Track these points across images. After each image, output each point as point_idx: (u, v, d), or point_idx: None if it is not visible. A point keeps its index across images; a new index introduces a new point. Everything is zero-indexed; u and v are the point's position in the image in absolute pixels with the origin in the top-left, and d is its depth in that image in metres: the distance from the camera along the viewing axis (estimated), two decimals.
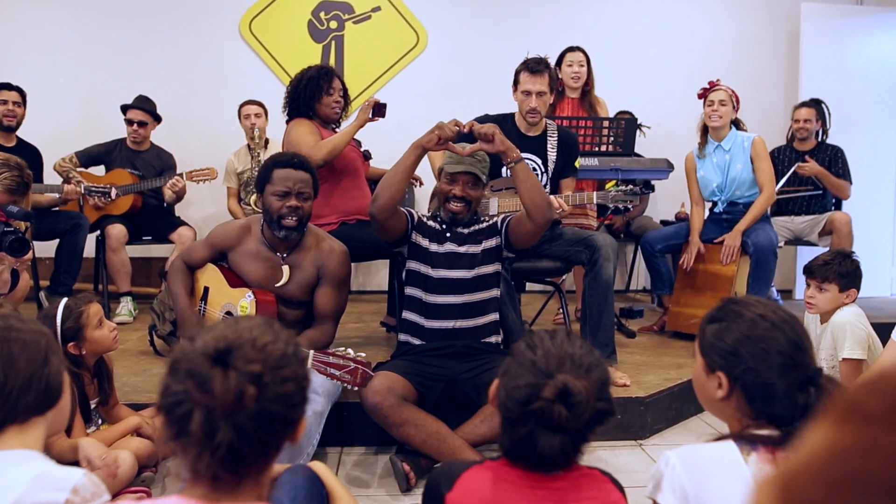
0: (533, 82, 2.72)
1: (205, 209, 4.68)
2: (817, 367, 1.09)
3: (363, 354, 1.82)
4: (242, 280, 2.21)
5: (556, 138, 2.87)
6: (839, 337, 2.35)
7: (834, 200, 4.16)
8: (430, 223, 2.34)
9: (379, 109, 2.85)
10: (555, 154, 2.87)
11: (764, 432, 1.05)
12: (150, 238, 4.00)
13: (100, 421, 2.06)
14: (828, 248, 4.03)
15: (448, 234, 2.30)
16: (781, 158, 4.16)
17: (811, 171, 3.96)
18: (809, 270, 2.44)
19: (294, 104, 2.90)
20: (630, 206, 2.73)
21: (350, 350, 1.83)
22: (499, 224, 2.34)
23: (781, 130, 4.37)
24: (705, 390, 1.15)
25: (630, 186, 2.74)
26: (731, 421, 1.13)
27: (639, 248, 4.05)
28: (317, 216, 2.75)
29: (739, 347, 1.09)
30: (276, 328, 0.88)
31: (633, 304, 4.21)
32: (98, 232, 3.81)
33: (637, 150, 4.53)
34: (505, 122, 2.90)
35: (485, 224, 2.36)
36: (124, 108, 3.93)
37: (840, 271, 2.38)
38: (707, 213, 3.60)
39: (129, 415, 2.10)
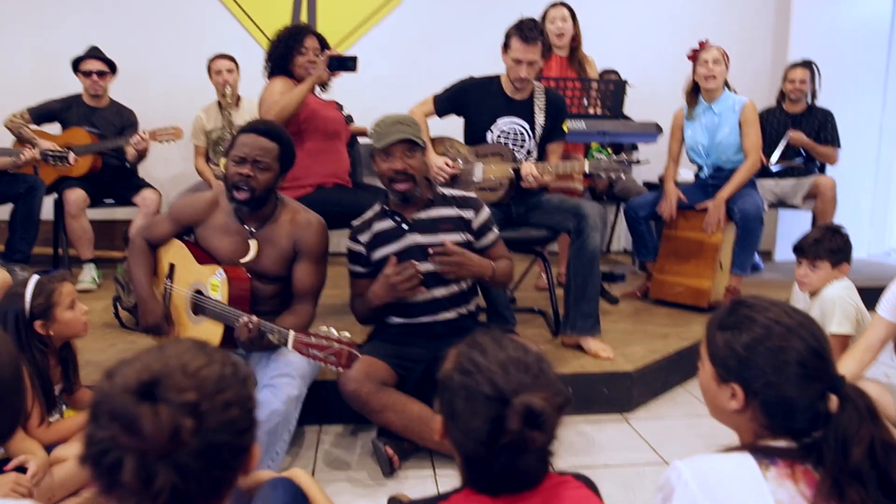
0: (525, 51, 2.56)
1: (171, 167, 4.46)
2: (839, 376, 1.00)
3: (347, 334, 1.69)
4: (211, 256, 2.07)
5: (543, 101, 2.74)
6: (828, 312, 2.32)
7: (818, 164, 4.11)
8: (382, 226, 2.13)
9: (340, 63, 2.63)
10: (542, 117, 2.74)
11: (782, 444, 0.98)
12: (112, 201, 3.79)
13: (63, 407, 1.93)
14: (811, 212, 4.03)
15: (406, 227, 2.11)
16: (771, 121, 4.07)
17: (799, 142, 3.89)
18: (801, 249, 2.39)
19: (272, 64, 2.79)
20: (622, 177, 2.63)
21: (333, 329, 1.71)
22: (472, 225, 2.14)
23: (768, 91, 4.27)
24: (717, 400, 1.05)
25: (623, 156, 2.63)
26: (744, 432, 1.04)
27: (621, 212, 3.97)
28: (293, 178, 2.61)
29: (755, 358, 0.99)
30: (208, 349, 0.77)
31: (615, 268, 4.17)
32: (56, 194, 3.60)
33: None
34: (491, 84, 2.75)
35: (446, 210, 2.13)
36: (77, 62, 3.67)
37: (831, 248, 2.33)
38: (693, 178, 3.53)
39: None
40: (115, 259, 3.96)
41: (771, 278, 4.05)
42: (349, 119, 2.80)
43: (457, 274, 2.04)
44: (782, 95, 4.11)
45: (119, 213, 4.03)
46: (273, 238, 2.05)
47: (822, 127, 3.96)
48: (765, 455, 0.95)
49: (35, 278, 1.81)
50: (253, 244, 2.03)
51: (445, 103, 2.81)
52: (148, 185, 3.78)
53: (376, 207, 2.18)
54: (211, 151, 4.04)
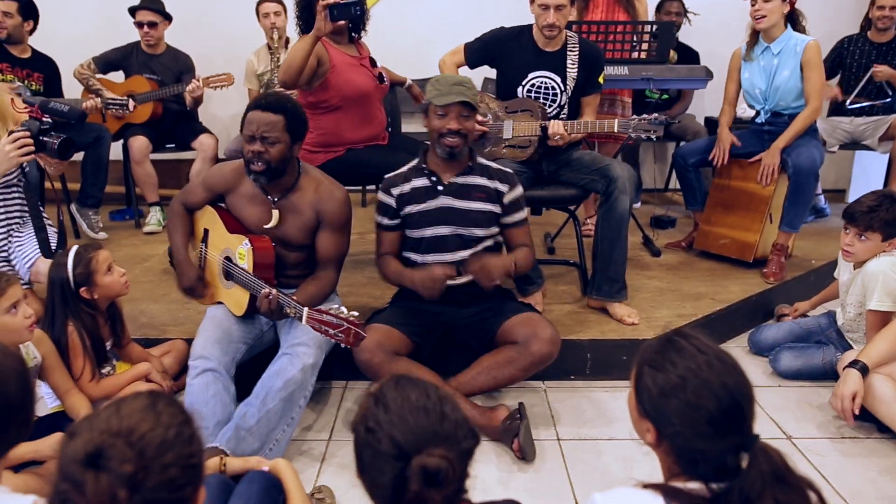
0: None
1: (230, 107, 4.60)
2: (754, 434, 1.00)
3: (356, 314, 1.80)
4: (241, 224, 2.19)
5: (577, 53, 2.62)
6: (870, 286, 2.20)
7: None
8: (416, 184, 2.17)
9: (343, 11, 2.39)
10: (575, 70, 2.63)
11: (694, 486, 1.00)
12: (173, 146, 3.99)
13: (114, 360, 2.16)
14: (888, 155, 3.72)
15: (440, 188, 2.16)
16: (853, 51, 3.71)
17: (885, 74, 3.54)
18: (851, 216, 2.23)
19: (302, 22, 2.73)
20: (653, 137, 2.52)
21: (344, 308, 1.82)
22: (504, 199, 2.16)
23: (852, 18, 3.87)
24: (637, 427, 1.10)
25: (655, 116, 2.51)
26: (661, 463, 1.08)
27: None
28: (325, 144, 2.66)
29: (667, 406, 1.01)
30: (159, 408, 0.86)
31: (668, 211, 4.05)
32: (122, 141, 3.82)
33: (682, 39, 4.16)
34: (522, 35, 2.66)
35: (481, 180, 2.16)
36: (132, 11, 3.79)
37: (887, 219, 2.16)
38: (749, 123, 3.31)
39: (140, 354, 2.20)
40: None
41: (838, 225, 3.82)
42: (381, 78, 2.75)
43: (490, 283, 2.07)
44: (868, 22, 3.72)
45: (183, 154, 4.24)
46: (296, 207, 2.13)
47: None
48: (675, 497, 0.98)
49: (74, 249, 2.00)
50: (275, 213, 2.13)
51: (476, 54, 2.75)
52: (206, 130, 3.94)
53: (413, 163, 2.21)
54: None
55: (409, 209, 2.17)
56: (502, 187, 2.16)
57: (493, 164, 2.21)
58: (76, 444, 0.82)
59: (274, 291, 1.95)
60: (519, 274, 2.23)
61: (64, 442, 0.84)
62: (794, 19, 3.01)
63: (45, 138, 2.22)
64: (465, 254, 2.15)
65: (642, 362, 1.08)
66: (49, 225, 2.52)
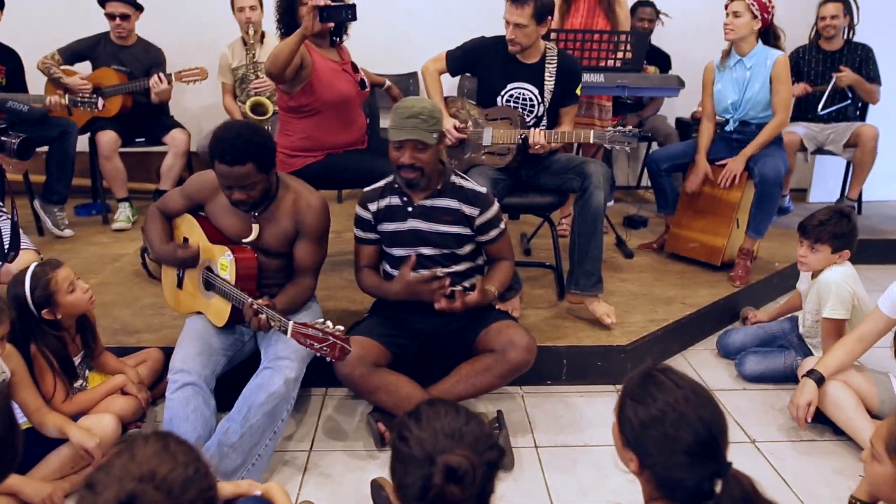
0: (511, 13, 2.50)
1: (201, 99, 4.51)
2: (727, 462, 1.08)
3: (341, 328, 1.82)
4: (222, 234, 2.18)
5: (555, 66, 2.65)
6: (824, 296, 2.33)
7: (860, 104, 3.90)
8: (390, 201, 2.17)
9: (334, 13, 2.34)
10: (553, 83, 2.66)
11: None
12: (143, 140, 3.91)
13: (86, 372, 2.13)
14: (849, 161, 3.86)
15: (410, 210, 2.15)
16: (808, 60, 3.84)
17: (848, 80, 3.66)
18: (804, 229, 2.36)
19: (283, 25, 2.70)
20: (627, 149, 2.57)
21: (329, 323, 1.83)
22: (474, 222, 2.14)
23: (805, 28, 3.98)
24: (620, 455, 1.17)
25: (629, 128, 2.56)
26: (643, 488, 1.16)
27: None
28: (304, 149, 2.65)
29: (647, 439, 1.09)
30: (172, 449, 0.89)
31: (640, 210, 4.13)
32: (90, 134, 3.73)
33: (655, 41, 4.22)
34: (502, 45, 2.67)
35: (451, 202, 2.13)
36: (102, 1, 3.68)
37: (834, 232, 2.30)
38: (719, 130, 3.39)
39: (115, 364, 2.18)
40: (150, 191, 4.14)
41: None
42: (362, 84, 2.73)
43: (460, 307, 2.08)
44: (817, 34, 3.85)
45: (154, 148, 4.16)
46: (275, 218, 2.13)
47: (862, 63, 3.73)
48: None
49: (31, 270, 1.92)
50: (255, 227, 2.13)
51: (457, 62, 2.77)
52: (177, 125, 3.87)
53: (389, 178, 2.21)
54: (238, 89, 4.07)
55: (384, 227, 2.18)
56: (473, 211, 2.14)
57: (468, 184, 2.17)
58: (105, 497, 0.83)
59: (259, 302, 1.95)
60: (503, 290, 2.26)
61: (85, 496, 0.85)
62: (766, 36, 3.08)
63: (4, 138, 2.15)
64: (442, 270, 2.16)
65: (625, 394, 1.15)
66: (8, 219, 2.42)
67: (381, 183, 2.21)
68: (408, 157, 2.02)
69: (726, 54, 3.14)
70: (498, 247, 2.23)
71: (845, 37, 3.79)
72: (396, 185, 2.17)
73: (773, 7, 3.00)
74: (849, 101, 3.79)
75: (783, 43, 3.11)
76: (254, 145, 1.95)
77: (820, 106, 3.72)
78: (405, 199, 2.16)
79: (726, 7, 3.02)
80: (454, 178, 2.17)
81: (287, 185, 2.17)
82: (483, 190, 2.18)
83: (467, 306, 2.07)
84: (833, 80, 3.68)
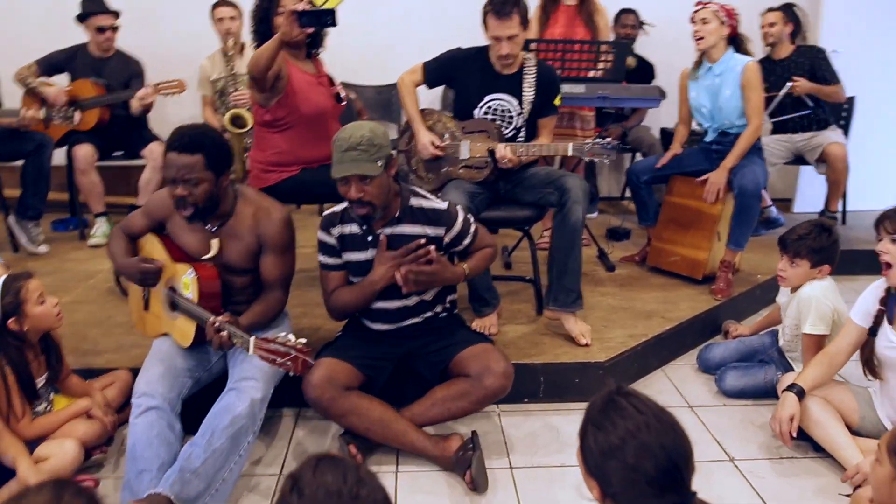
0: (501, 28, 2.45)
1: (182, 112, 4.47)
2: (692, 492, 1.05)
3: (304, 341, 1.77)
4: (184, 252, 2.13)
5: (533, 76, 2.63)
6: (804, 310, 2.30)
7: (831, 109, 3.88)
8: (351, 229, 2.09)
9: (313, 19, 2.27)
10: (532, 93, 2.64)
11: None
12: (121, 153, 3.87)
13: (51, 395, 2.08)
14: (824, 176, 3.85)
15: (370, 239, 2.08)
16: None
17: (804, 89, 3.65)
18: (783, 243, 2.34)
19: (258, 35, 2.68)
20: (606, 161, 2.55)
21: (291, 336, 1.79)
22: (443, 241, 2.09)
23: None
24: (585, 481, 1.13)
25: (608, 140, 2.53)
26: None
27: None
28: (277, 164, 2.61)
29: (608, 467, 1.05)
30: (66, 500, 0.85)
31: (624, 222, 4.10)
32: (67, 147, 3.68)
33: (638, 51, 4.20)
34: (479, 57, 2.65)
35: (412, 228, 2.06)
36: (85, 16, 3.64)
37: (814, 247, 2.28)
38: (699, 140, 3.38)
39: (81, 387, 2.13)
40: (129, 205, 4.09)
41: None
42: (338, 98, 2.70)
43: (424, 287, 2.04)
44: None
45: (132, 161, 4.11)
46: (236, 233, 2.08)
47: (814, 66, 3.71)
48: None
49: (3, 279, 1.91)
50: (214, 243, 2.08)
51: (434, 74, 2.74)
52: (155, 138, 3.83)
53: (346, 204, 2.10)
54: (217, 101, 4.03)
55: (348, 256, 2.12)
56: (438, 231, 2.08)
57: (427, 202, 2.09)
58: None
59: (220, 319, 1.90)
60: (474, 278, 2.20)
61: None
62: (737, 42, 3.08)
63: None
64: (415, 298, 2.12)
65: (587, 420, 1.11)
66: None
67: (339, 207, 2.14)
68: (354, 192, 1.93)
69: (697, 64, 3.13)
70: (476, 245, 2.19)
71: (793, 42, 3.78)
72: (350, 213, 2.10)
73: (738, 14, 3.01)
74: (808, 111, 3.77)
75: (752, 49, 3.10)
76: (208, 139, 1.95)
77: (768, 111, 3.69)
78: (364, 227, 2.08)
79: (692, 18, 3.01)
80: (413, 201, 2.09)
81: (247, 198, 2.12)
82: (443, 205, 2.11)
83: (432, 274, 2.02)
84: (786, 88, 3.66)
